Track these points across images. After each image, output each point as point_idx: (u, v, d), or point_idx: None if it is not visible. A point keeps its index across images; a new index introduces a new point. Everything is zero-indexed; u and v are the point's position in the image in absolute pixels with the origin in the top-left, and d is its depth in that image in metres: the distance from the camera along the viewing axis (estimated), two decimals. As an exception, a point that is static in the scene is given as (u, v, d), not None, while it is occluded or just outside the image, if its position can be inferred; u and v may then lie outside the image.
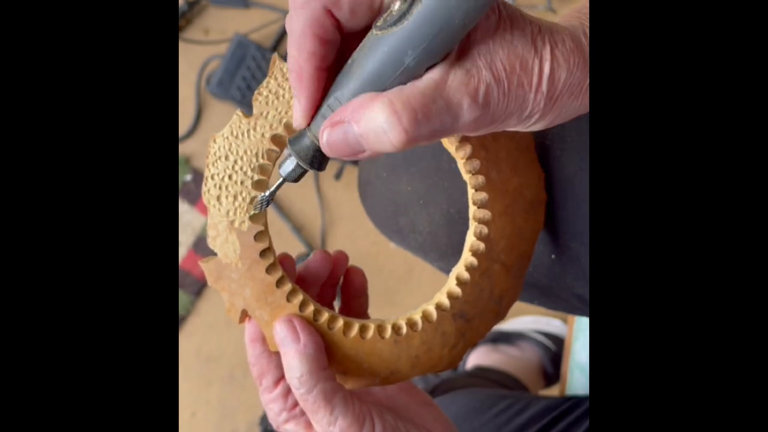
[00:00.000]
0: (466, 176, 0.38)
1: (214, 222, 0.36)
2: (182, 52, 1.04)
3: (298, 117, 0.31)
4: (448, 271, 0.53)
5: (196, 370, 1.03)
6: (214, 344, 1.04)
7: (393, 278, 1.04)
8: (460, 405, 0.64)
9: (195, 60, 1.04)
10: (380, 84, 0.29)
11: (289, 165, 0.32)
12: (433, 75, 0.29)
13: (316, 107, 0.31)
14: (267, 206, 0.35)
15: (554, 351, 0.91)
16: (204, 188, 0.36)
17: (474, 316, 0.38)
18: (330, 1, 0.29)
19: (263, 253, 0.36)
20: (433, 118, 0.28)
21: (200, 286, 1.04)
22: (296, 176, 0.33)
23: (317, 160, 0.31)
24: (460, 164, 0.38)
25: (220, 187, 0.36)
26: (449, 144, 0.38)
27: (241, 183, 0.36)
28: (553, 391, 0.90)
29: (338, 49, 0.30)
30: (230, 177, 0.36)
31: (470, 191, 0.38)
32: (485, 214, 0.38)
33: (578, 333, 0.68)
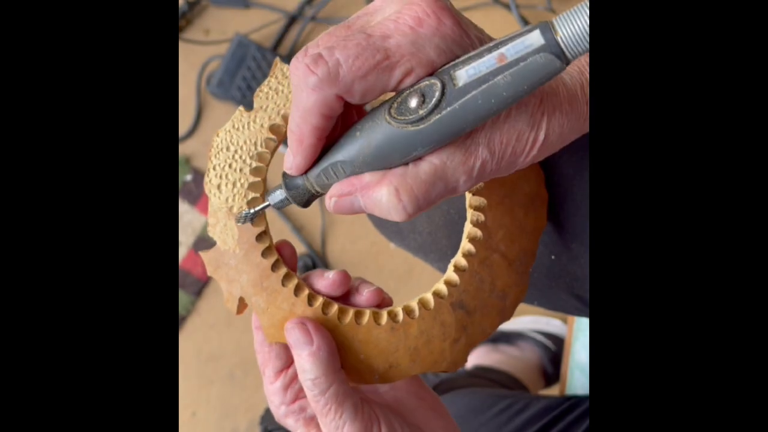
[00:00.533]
0: None
1: (213, 210, 0.37)
2: (182, 53, 1.04)
3: (291, 169, 0.33)
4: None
5: (197, 369, 1.03)
6: (214, 344, 1.04)
7: (393, 279, 1.04)
8: (459, 405, 0.64)
9: (195, 60, 1.04)
10: (385, 164, 0.31)
11: (279, 196, 0.34)
12: (433, 159, 0.30)
13: (311, 164, 0.33)
14: (248, 221, 0.36)
15: (554, 351, 0.90)
16: (206, 179, 0.37)
17: (475, 309, 0.38)
18: (343, 90, 0.30)
19: (259, 237, 0.37)
20: (432, 197, 0.31)
21: (200, 286, 1.04)
22: (282, 206, 0.35)
23: (305, 199, 0.34)
24: None
25: (220, 176, 0.37)
26: None
27: (240, 170, 0.37)
28: (553, 391, 0.90)
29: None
30: (230, 165, 0.37)
31: None
32: (481, 201, 0.38)
33: (578, 333, 0.68)
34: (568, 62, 0.27)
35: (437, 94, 0.28)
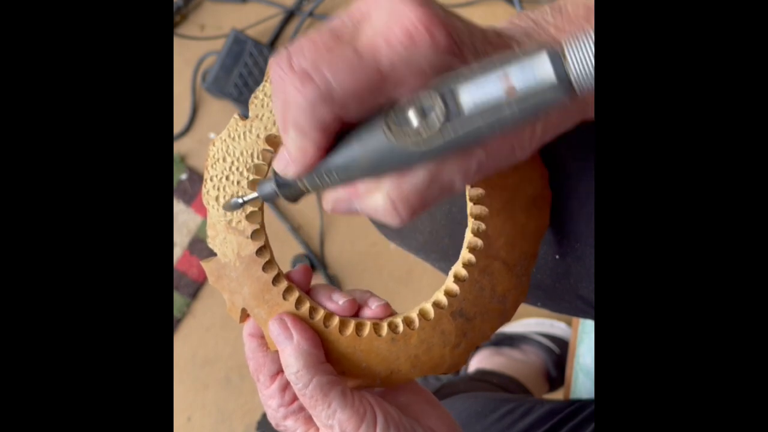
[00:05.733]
0: None
1: (212, 222, 0.37)
2: (177, 49, 1.03)
3: (285, 171, 0.32)
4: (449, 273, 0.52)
5: (192, 373, 1.02)
6: (210, 347, 1.03)
7: (393, 280, 1.03)
8: (461, 409, 0.63)
9: (190, 56, 1.03)
10: (379, 173, 0.30)
11: (268, 188, 0.34)
12: (429, 165, 0.29)
13: (315, 162, 0.32)
14: (236, 210, 0.36)
15: (558, 354, 0.90)
16: (204, 190, 0.38)
17: (475, 315, 0.38)
18: (338, 110, 0.29)
19: (259, 252, 0.37)
20: (427, 201, 0.30)
21: (196, 288, 1.03)
22: (271, 199, 0.34)
23: (295, 197, 0.34)
24: None
25: (218, 188, 0.37)
26: None
27: (238, 183, 0.37)
28: (557, 396, 0.89)
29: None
30: (227, 178, 0.37)
31: (467, 188, 0.38)
32: (482, 210, 0.38)
33: (583, 336, 0.67)
34: (575, 96, 0.27)
35: (441, 116, 0.28)
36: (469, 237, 0.38)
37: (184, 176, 1.03)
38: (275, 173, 0.34)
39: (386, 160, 0.29)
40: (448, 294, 0.38)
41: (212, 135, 1.03)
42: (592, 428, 0.57)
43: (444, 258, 0.49)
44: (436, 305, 0.38)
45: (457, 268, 0.38)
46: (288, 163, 0.31)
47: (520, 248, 0.38)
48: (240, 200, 0.36)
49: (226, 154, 0.37)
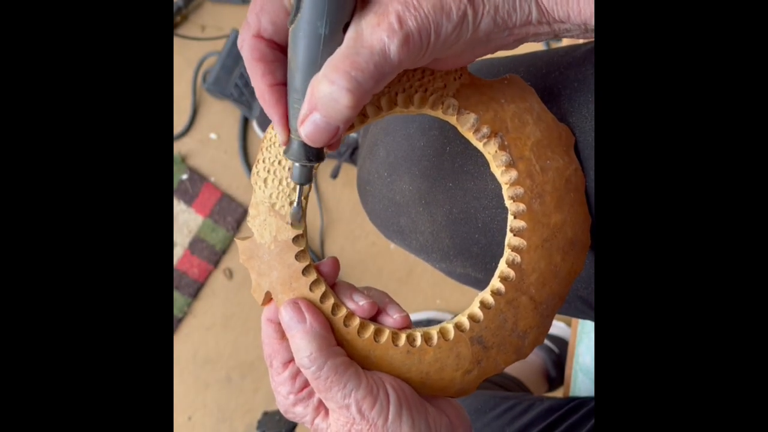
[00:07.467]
0: (507, 202, 0.39)
1: (256, 202, 0.38)
2: (178, 49, 1.03)
3: (279, 132, 0.35)
4: (450, 273, 0.52)
5: (193, 372, 1.02)
6: (210, 346, 1.03)
7: (393, 280, 1.03)
8: (462, 406, 0.63)
9: (191, 57, 1.03)
10: (314, 65, 0.32)
11: (295, 171, 0.36)
12: (349, 33, 0.32)
13: (286, 117, 0.35)
14: (301, 214, 0.38)
15: (557, 353, 0.90)
16: (254, 170, 0.38)
17: (493, 345, 0.38)
18: (256, 28, 0.33)
19: (296, 239, 0.38)
20: (364, 67, 0.31)
21: (197, 288, 1.03)
22: (305, 177, 0.36)
23: (312, 153, 0.35)
24: (504, 189, 0.39)
25: (268, 171, 0.38)
26: (496, 168, 0.38)
27: (289, 169, 0.38)
28: (557, 395, 0.90)
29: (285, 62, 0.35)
30: (279, 162, 0.38)
31: (509, 218, 0.39)
32: (521, 242, 0.38)
33: (582, 336, 0.67)
34: None
35: None
36: (502, 266, 0.38)
37: (184, 176, 1.03)
38: (285, 153, 0.36)
39: (303, 46, 0.32)
40: (471, 319, 0.38)
41: (213, 135, 1.04)
42: (592, 425, 0.57)
43: (445, 258, 0.49)
44: (458, 327, 0.38)
45: (485, 294, 0.39)
46: (279, 133, 0.35)
47: (550, 288, 0.38)
48: (295, 207, 0.37)
49: None
